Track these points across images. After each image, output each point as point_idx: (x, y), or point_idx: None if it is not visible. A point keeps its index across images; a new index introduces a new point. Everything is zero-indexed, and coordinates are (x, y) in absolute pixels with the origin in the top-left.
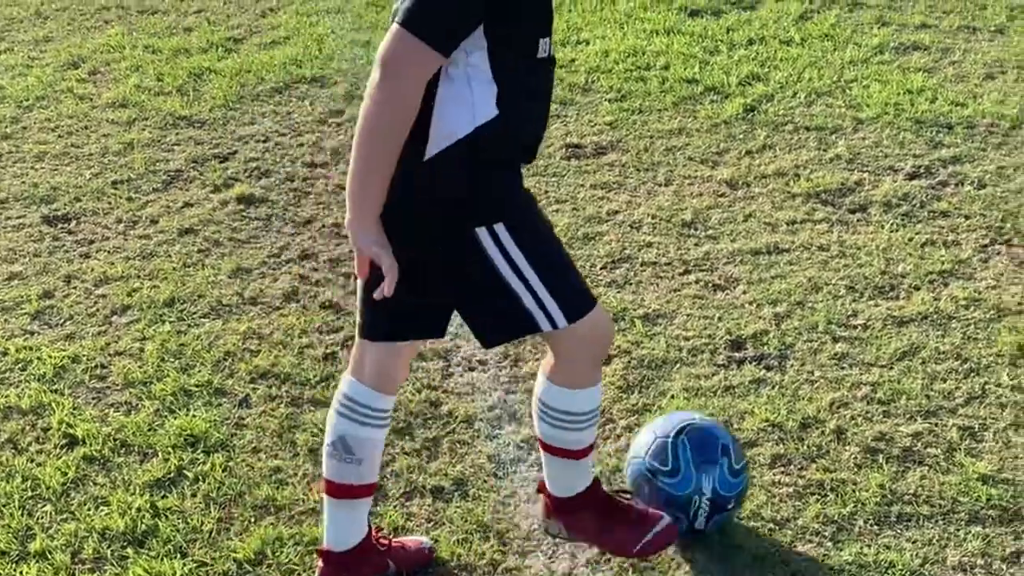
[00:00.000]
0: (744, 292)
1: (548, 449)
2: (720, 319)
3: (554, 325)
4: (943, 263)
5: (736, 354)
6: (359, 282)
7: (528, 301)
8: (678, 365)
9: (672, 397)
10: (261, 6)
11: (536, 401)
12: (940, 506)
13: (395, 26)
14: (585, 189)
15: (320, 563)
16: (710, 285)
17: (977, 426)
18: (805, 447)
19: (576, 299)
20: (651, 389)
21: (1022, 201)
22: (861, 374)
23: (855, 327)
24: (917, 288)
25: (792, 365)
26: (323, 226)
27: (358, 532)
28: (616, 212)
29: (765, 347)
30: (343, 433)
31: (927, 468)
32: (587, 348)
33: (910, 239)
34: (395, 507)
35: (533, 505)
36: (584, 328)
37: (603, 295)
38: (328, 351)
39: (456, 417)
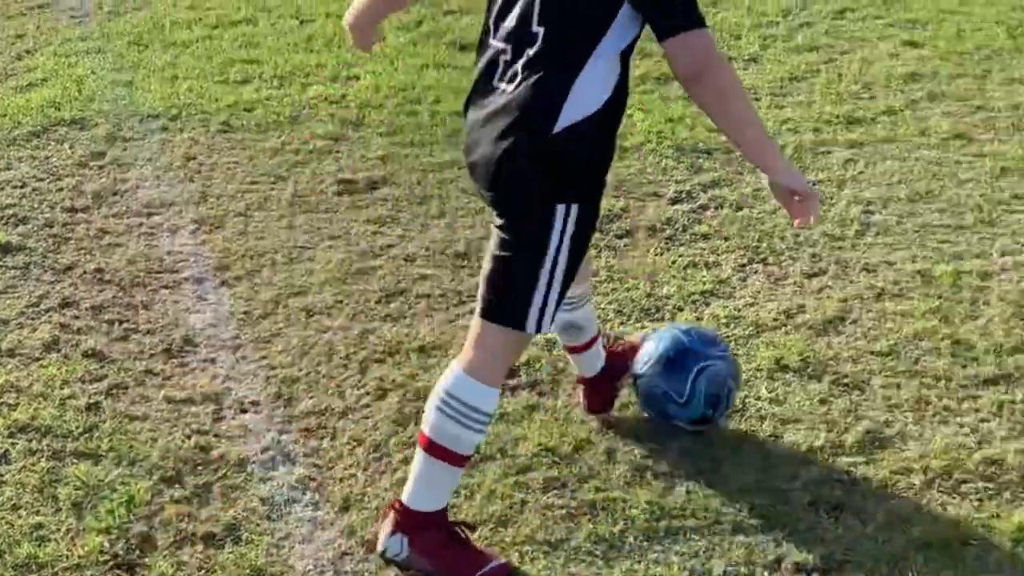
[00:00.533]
0: None
1: (432, 450)
2: None
3: (536, 330)
4: (704, 284)
5: (510, 381)
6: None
7: (537, 297)
8: None
9: None
10: (16, 48)
11: (439, 394)
12: (706, 518)
13: (685, 34)
14: (358, 224)
15: (396, 522)
16: None
17: (739, 439)
18: (578, 469)
19: (552, 317)
20: None
21: (776, 222)
22: (632, 395)
23: None
24: (681, 309)
25: (565, 389)
26: (84, 272)
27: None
28: (390, 246)
29: (538, 373)
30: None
31: (693, 482)
32: (514, 355)
33: (673, 262)
34: (164, 557)
35: (307, 546)
36: (525, 340)
37: (378, 330)
38: (91, 401)
39: (228, 461)
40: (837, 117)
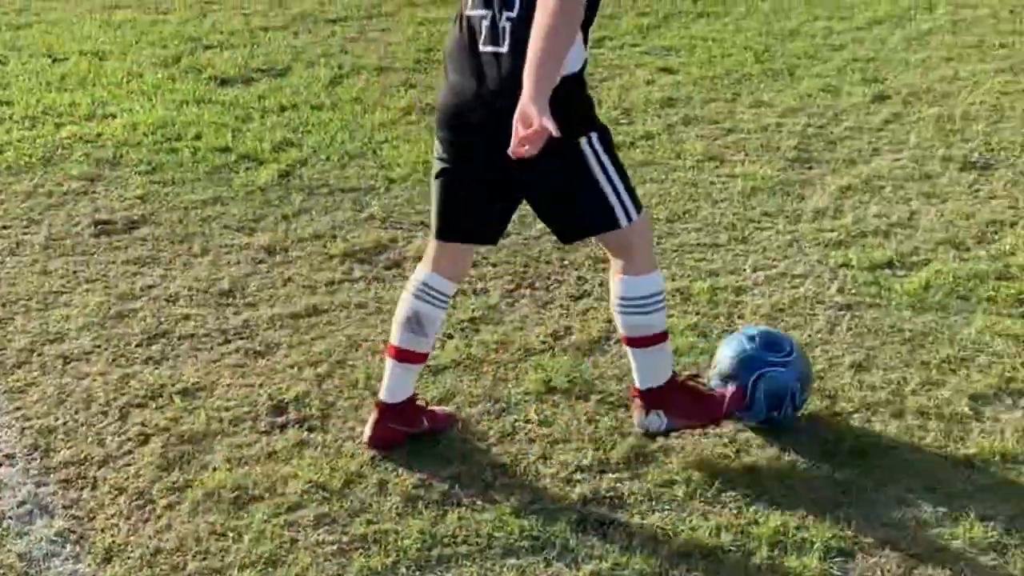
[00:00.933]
0: (285, 356)
1: (635, 343)
2: (262, 385)
3: (630, 219)
4: (474, 310)
5: (279, 419)
6: (436, 190)
7: (612, 198)
8: (219, 437)
9: (214, 469)
10: None
11: (615, 301)
12: (477, 543)
13: None
14: (117, 266)
15: (376, 413)
16: (251, 352)
17: (509, 462)
18: (349, 503)
19: (637, 196)
20: (192, 464)
21: (542, 247)
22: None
23: None
24: (451, 336)
25: (335, 424)
26: None
27: (408, 389)
28: (151, 287)
29: (307, 408)
30: (417, 311)
31: (465, 508)
32: (645, 238)
33: None
34: None
35: None
36: (642, 221)
37: (139, 373)
38: None
39: None
40: None
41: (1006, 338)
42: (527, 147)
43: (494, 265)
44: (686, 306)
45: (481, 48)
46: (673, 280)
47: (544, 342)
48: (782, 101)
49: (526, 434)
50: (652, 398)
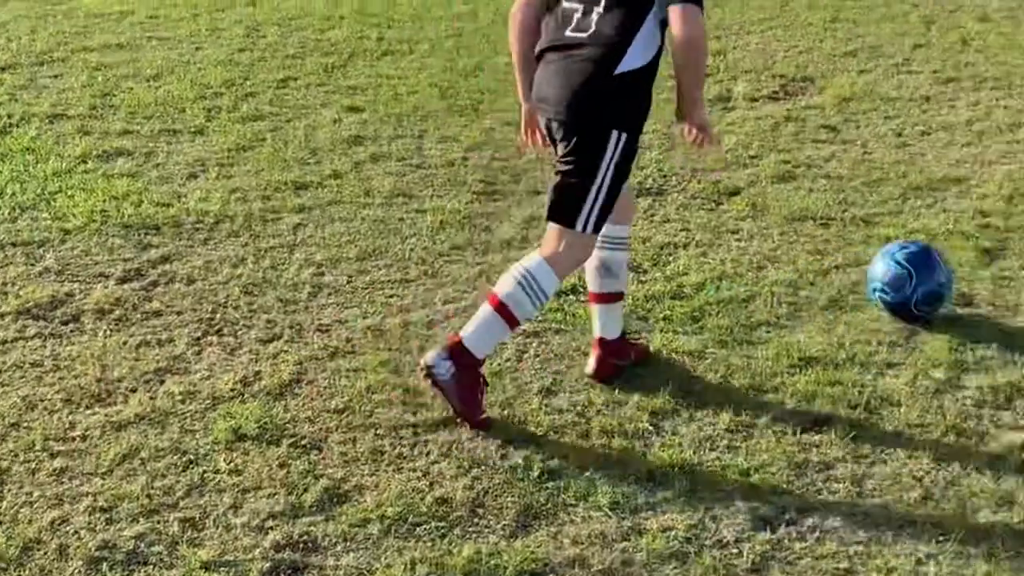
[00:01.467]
0: None
1: (498, 308)
2: None
3: (584, 230)
4: (158, 361)
5: None
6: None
7: (587, 204)
8: None
9: None
10: None
11: (519, 268)
12: None
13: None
14: None
15: (597, 350)
16: None
17: (198, 515)
18: (27, 571)
19: (605, 218)
20: None
21: (229, 292)
22: (82, 485)
23: (73, 439)
24: (134, 390)
25: (10, 490)
26: None
27: (620, 326)
28: None
29: None
30: (603, 259)
31: (151, 567)
32: (579, 250)
33: (124, 343)
34: None
35: None
36: (589, 239)
37: None
38: None
39: None
40: (285, 183)
41: (682, 355)
42: (705, 143)
43: (179, 313)
44: (379, 343)
45: (568, 34)
46: (365, 318)
47: (233, 389)
48: (468, 136)
49: (215, 485)
50: (455, 352)
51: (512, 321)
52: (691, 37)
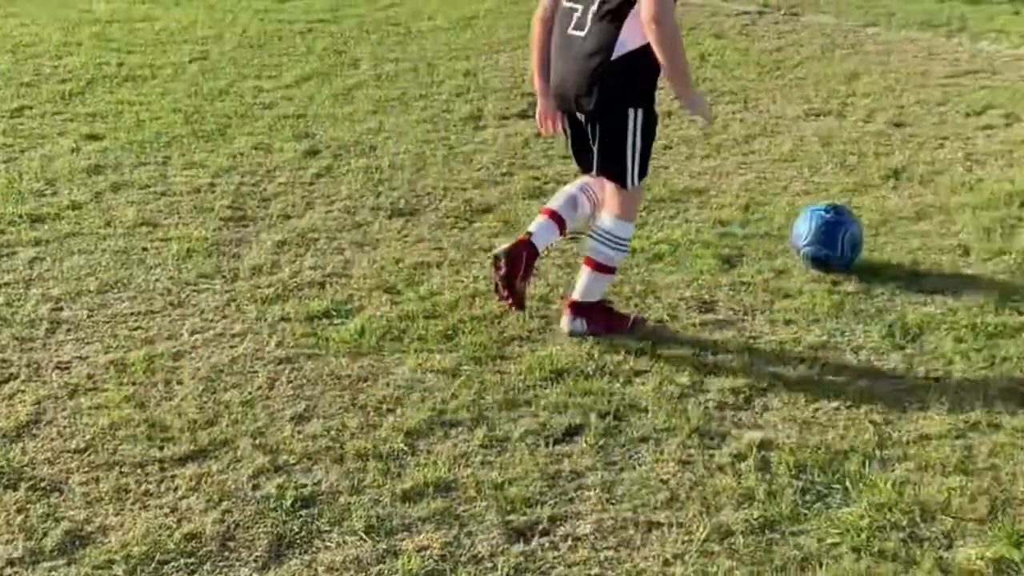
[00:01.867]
0: None
1: (591, 263)
2: None
3: (633, 185)
4: None
5: None
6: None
7: (628, 164)
8: None
9: None
10: None
11: (596, 228)
12: None
13: None
14: None
15: (573, 312)
16: None
17: None
18: None
19: (646, 170)
20: None
21: None
22: None
23: None
24: None
25: None
26: None
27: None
28: None
29: None
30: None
31: None
32: (636, 199)
33: None
34: None
35: None
36: (639, 189)
37: None
38: None
39: None
40: (20, 216)
41: (436, 373)
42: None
43: None
44: (122, 377)
45: (569, 32)
46: (107, 352)
47: None
48: (214, 161)
49: None
50: (581, 309)
51: (610, 270)
52: (653, 17)
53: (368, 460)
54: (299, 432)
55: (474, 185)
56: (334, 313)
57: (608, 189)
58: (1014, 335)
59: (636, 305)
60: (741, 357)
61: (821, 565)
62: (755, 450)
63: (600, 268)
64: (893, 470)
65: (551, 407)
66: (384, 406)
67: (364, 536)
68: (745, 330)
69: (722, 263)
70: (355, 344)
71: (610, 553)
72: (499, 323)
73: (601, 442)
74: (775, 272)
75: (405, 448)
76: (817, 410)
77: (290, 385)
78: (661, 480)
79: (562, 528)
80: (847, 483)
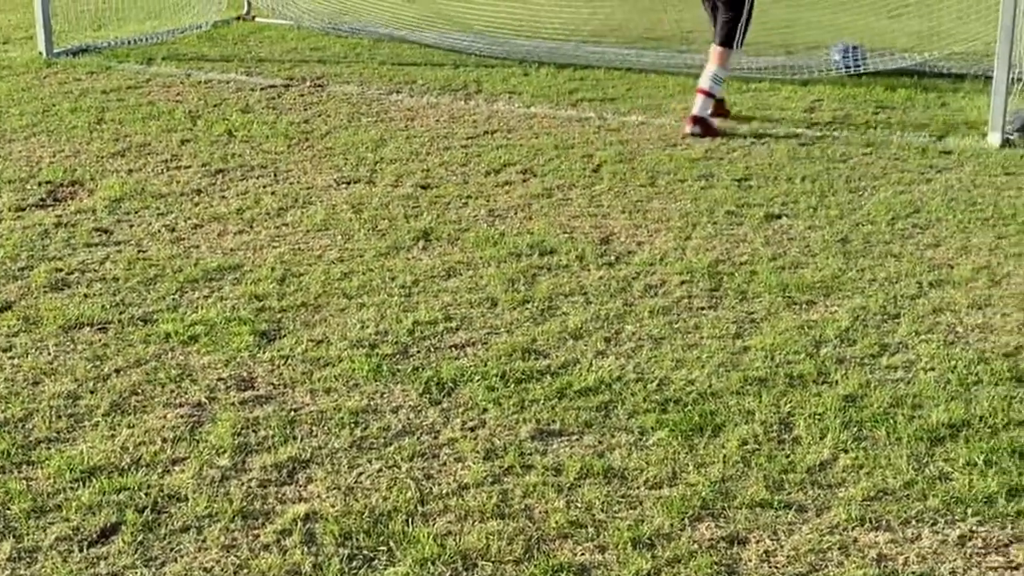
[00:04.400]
0: None
1: (703, 93)
2: None
3: (738, 46)
4: None
5: None
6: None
7: (738, 32)
8: None
9: None
10: None
11: (707, 73)
12: None
13: None
14: None
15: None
16: None
17: None
18: None
19: (744, 37)
20: None
21: None
22: None
23: None
24: None
25: None
26: None
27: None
28: None
29: None
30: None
31: None
32: (733, 57)
33: None
34: None
35: None
36: (738, 50)
37: None
38: None
39: None
40: None
41: None
42: None
43: None
44: None
45: None
46: None
47: None
48: None
49: None
50: (695, 121)
51: (714, 95)
52: None
53: None
54: None
55: None
56: None
57: (716, 50)
58: (540, 378)
59: (172, 391)
60: (283, 431)
61: None
62: (300, 524)
63: (707, 95)
64: (435, 524)
65: (84, 508)
66: None
67: None
68: (286, 404)
69: (260, 338)
70: None
71: None
72: (23, 426)
73: (140, 538)
74: (314, 342)
75: None
76: (361, 475)
77: None
78: (204, 569)
79: None
80: (391, 543)
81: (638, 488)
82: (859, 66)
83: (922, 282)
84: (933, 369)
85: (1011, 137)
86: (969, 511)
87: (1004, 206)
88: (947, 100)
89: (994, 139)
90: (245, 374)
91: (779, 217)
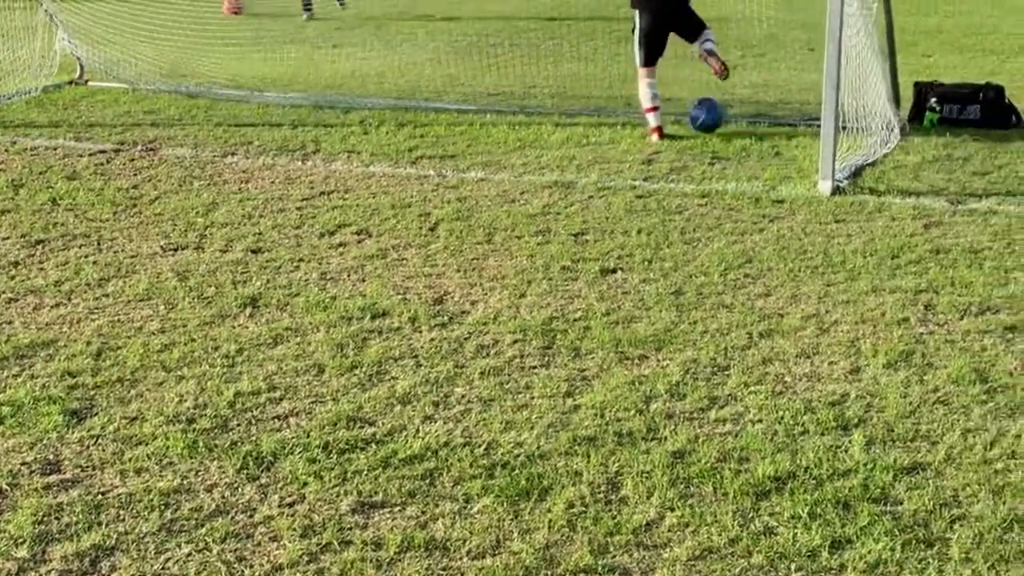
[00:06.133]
0: None
1: (709, 53)
2: None
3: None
4: None
5: None
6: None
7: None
8: None
9: None
10: None
11: (701, 40)
12: None
13: None
14: None
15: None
16: None
17: None
18: None
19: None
20: None
21: None
22: None
23: None
24: None
25: None
26: None
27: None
28: None
29: None
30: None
31: None
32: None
33: None
34: None
35: None
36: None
37: None
38: None
39: None
40: None
41: None
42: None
43: None
44: None
45: None
46: None
47: None
48: None
49: None
50: (710, 58)
51: (712, 43)
52: None
53: None
54: None
55: None
56: None
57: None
58: (364, 447)
59: None
60: (88, 517)
61: None
62: None
63: (709, 47)
64: None
65: None
66: None
67: None
68: (93, 487)
69: (70, 417)
70: None
71: None
72: None
73: None
74: (128, 419)
75: None
76: (168, 560)
77: None
78: None
79: None
80: None
81: (460, 559)
82: (724, 118)
83: (752, 332)
84: (761, 421)
85: (842, 184)
86: (793, 566)
87: (833, 253)
88: (781, 149)
89: (824, 187)
90: (51, 456)
91: (614, 271)
